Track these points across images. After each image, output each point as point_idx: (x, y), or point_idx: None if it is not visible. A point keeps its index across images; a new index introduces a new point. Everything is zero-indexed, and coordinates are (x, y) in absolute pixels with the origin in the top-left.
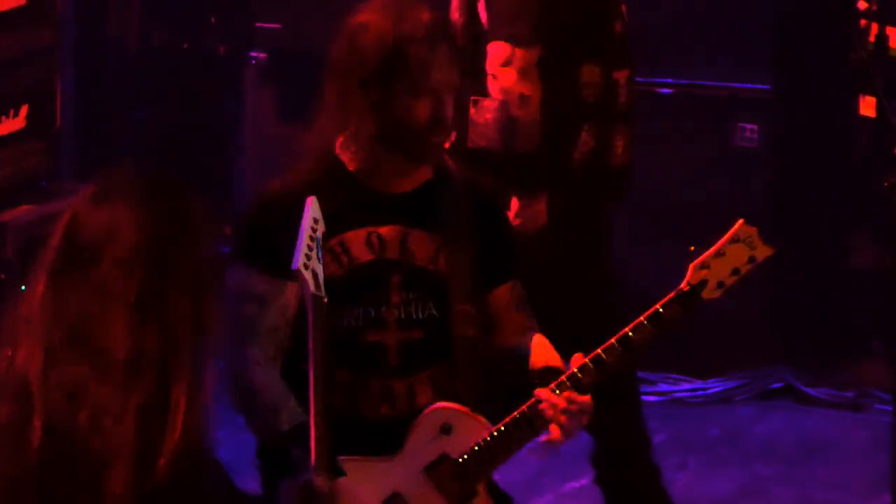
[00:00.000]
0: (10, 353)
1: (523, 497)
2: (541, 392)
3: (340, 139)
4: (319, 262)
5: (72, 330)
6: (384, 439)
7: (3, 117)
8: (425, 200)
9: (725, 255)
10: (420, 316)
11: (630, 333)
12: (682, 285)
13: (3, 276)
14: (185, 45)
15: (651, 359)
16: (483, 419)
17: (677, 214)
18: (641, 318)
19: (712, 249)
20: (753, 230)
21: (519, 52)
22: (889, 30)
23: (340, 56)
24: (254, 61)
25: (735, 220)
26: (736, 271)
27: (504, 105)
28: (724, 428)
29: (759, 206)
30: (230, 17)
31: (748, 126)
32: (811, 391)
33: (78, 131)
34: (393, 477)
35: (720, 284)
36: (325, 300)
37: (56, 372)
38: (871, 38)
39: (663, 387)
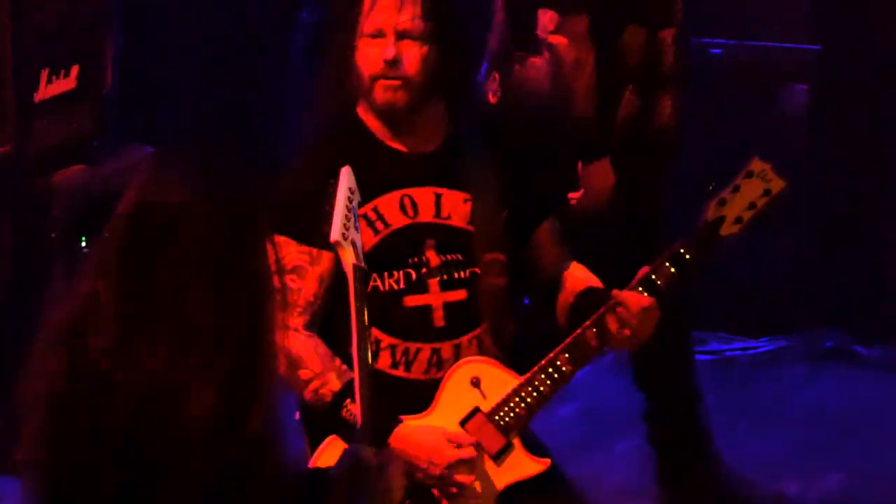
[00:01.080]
0: (82, 329)
1: (572, 458)
2: (618, 293)
3: (361, 102)
4: (357, 231)
5: (152, 307)
6: (431, 401)
7: (54, 77)
8: (452, 157)
9: (741, 191)
10: (462, 276)
11: (652, 276)
12: (700, 222)
13: (52, 235)
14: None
15: (702, 317)
16: (512, 371)
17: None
18: (663, 258)
19: (728, 188)
20: (767, 165)
21: (569, 19)
22: None
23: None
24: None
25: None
26: (752, 205)
27: (557, 69)
28: (775, 389)
29: (809, 166)
30: None
31: (798, 86)
32: (864, 352)
33: (126, 94)
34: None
35: (738, 220)
36: (365, 269)
37: (135, 350)
38: None
39: (714, 345)
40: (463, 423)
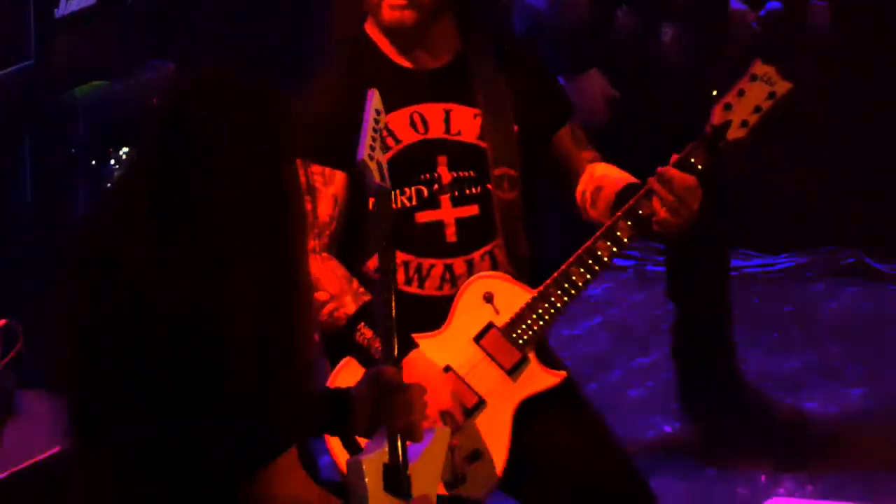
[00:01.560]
0: (114, 249)
1: (593, 373)
2: (663, 169)
3: (370, 20)
4: (383, 152)
5: (185, 226)
6: (445, 317)
7: None
8: (461, 72)
9: (746, 94)
10: (474, 192)
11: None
12: (706, 129)
13: (72, 150)
14: None
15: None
16: (525, 286)
17: None
18: (668, 165)
19: (732, 92)
20: (771, 68)
21: None
22: None
23: None
24: None
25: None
26: (758, 109)
27: None
28: (796, 305)
29: (834, 83)
30: None
31: (819, 2)
32: (883, 268)
33: (148, 11)
34: (443, 351)
35: (744, 123)
36: (390, 189)
37: (169, 272)
38: None
39: (735, 262)
40: (477, 339)
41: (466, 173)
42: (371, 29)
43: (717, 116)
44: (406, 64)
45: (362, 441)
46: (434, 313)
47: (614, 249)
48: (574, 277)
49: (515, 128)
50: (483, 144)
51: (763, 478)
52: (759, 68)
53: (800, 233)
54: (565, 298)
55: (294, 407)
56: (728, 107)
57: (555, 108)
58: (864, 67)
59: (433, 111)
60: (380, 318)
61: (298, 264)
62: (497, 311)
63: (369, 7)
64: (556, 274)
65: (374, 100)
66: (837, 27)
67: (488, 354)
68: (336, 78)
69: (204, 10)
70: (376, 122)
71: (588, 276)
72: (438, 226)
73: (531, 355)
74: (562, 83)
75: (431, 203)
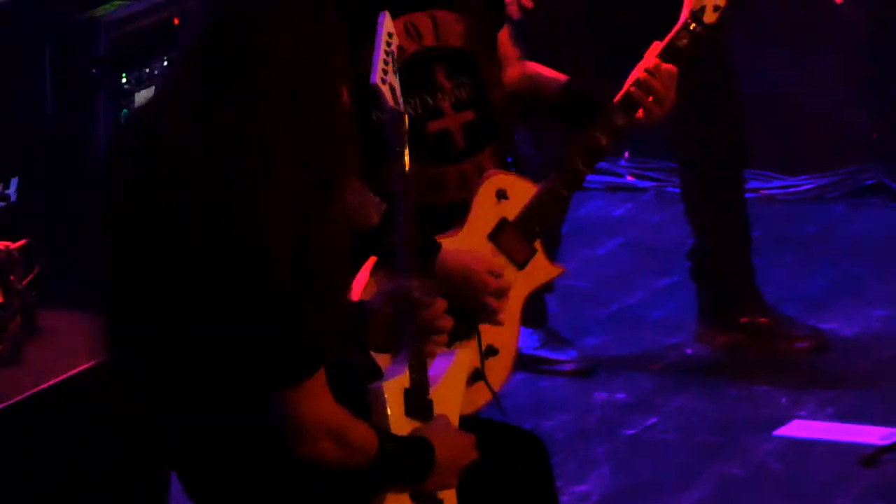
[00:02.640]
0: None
1: (615, 294)
2: (654, 62)
3: None
4: (396, 75)
5: (244, 107)
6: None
7: None
8: None
9: None
10: (468, 96)
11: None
12: (684, 14)
13: (93, 70)
14: None
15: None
16: (529, 180)
17: None
18: (654, 54)
19: None
20: None
21: None
22: None
23: None
24: None
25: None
26: None
27: None
28: (817, 225)
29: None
30: None
31: None
32: None
33: None
34: (462, 248)
35: (716, 8)
36: (403, 112)
37: (215, 161)
38: None
39: (754, 184)
40: (492, 235)
41: (460, 79)
42: None
43: (694, 3)
44: None
45: (382, 362)
46: (452, 219)
47: (611, 139)
48: (576, 167)
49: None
50: (469, 48)
51: (784, 399)
52: None
53: (820, 154)
54: (570, 188)
55: (328, 323)
56: None
57: (499, 9)
58: None
59: (422, 20)
60: (398, 235)
61: (339, 175)
62: (509, 207)
63: None
64: (560, 166)
65: (387, 22)
66: None
67: (503, 251)
68: None
69: None
70: (388, 44)
71: (589, 165)
72: (447, 133)
73: (538, 246)
74: None
75: (437, 112)
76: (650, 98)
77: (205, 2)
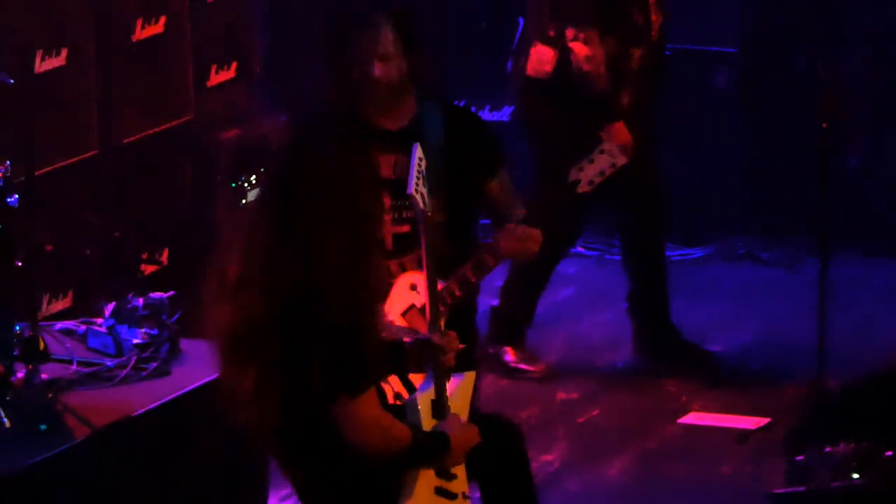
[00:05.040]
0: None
1: (570, 325)
2: (513, 227)
3: (332, 91)
4: (425, 187)
5: (303, 220)
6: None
7: (220, 69)
8: (412, 132)
9: (594, 162)
10: (407, 215)
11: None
12: (563, 182)
13: (218, 176)
14: None
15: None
16: (439, 280)
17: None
18: (536, 204)
19: (585, 159)
20: (614, 146)
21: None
22: None
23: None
24: None
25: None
26: (602, 173)
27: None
28: (704, 280)
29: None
30: None
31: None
32: (765, 256)
33: (271, 80)
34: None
35: (590, 182)
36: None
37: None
38: None
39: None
40: (404, 314)
41: (401, 202)
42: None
43: (572, 175)
44: (377, 124)
45: (415, 380)
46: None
47: (495, 262)
48: (469, 276)
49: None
50: None
51: (684, 397)
52: (607, 145)
53: (707, 230)
54: (463, 290)
55: (375, 350)
56: (580, 168)
57: (485, 165)
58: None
59: (387, 160)
60: (428, 305)
61: (371, 254)
62: (418, 297)
63: (357, 93)
64: (457, 273)
65: (419, 150)
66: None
67: (410, 325)
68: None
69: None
70: (419, 165)
71: (478, 277)
72: (381, 239)
73: (442, 324)
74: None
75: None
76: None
77: (273, 160)
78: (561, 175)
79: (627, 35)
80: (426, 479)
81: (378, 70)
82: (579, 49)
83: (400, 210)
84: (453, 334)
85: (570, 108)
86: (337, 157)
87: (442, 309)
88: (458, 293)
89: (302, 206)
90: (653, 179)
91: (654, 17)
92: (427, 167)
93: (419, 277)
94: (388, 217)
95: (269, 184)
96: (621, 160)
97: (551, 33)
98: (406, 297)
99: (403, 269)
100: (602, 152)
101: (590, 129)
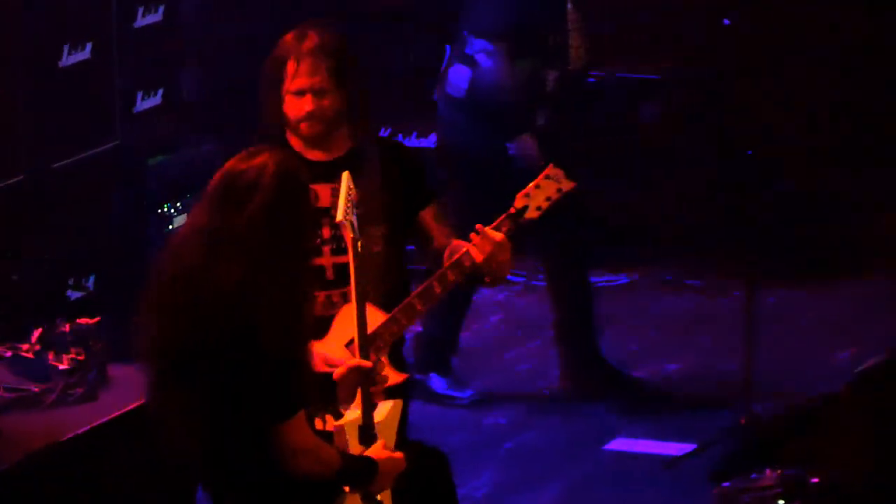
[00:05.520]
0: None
1: (495, 353)
2: (481, 227)
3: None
4: (355, 215)
5: (232, 241)
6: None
7: (147, 97)
8: (347, 163)
9: (541, 188)
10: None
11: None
12: (511, 209)
13: (144, 202)
14: None
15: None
16: (381, 311)
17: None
18: (487, 228)
19: (531, 185)
20: (560, 171)
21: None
22: None
23: (265, 67)
24: None
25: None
26: (549, 198)
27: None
28: (630, 308)
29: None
30: None
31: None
32: (690, 282)
33: (201, 106)
34: (326, 350)
35: (538, 208)
36: (359, 240)
37: (219, 268)
38: None
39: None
40: (347, 345)
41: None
42: (290, 134)
43: (519, 201)
44: (310, 157)
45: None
46: (322, 328)
47: (443, 288)
48: (416, 306)
49: (386, 200)
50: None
51: (612, 423)
52: (552, 170)
53: (632, 257)
54: (409, 320)
55: (307, 375)
56: (528, 195)
57: (418, 194)
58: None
59: (324, 189)
60: (357, 333)
61: (305, 283)
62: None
63: (289, 126)
64: (403, 302)
65: (348, 179)
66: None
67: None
68: None
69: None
70: (349, 193)
71: (426, 306)
72: (322, 268)
73: (384, 359)
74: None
75: (317, 252)
76: (480, 258)
77: (215, 183)
78: (486, 200)
79: (542, 57)
80: None
81: (313, 104)
82: (485, 63)
83: (339, 240)
84: (384, 361)
85: (482, 124)
86: (273, 184)
87: (389, 339)
88: (404, 323)
89: (237, 232)
90: (574, 206)
91: (574, 42)
92: (362, 197)
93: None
94: (327, 248)
95: (205, 208)
96: (567, 185)
97: (467, 51)
98: (348, 328)
99: (346, 300)
100: (548, 178)
101: (499, 142)
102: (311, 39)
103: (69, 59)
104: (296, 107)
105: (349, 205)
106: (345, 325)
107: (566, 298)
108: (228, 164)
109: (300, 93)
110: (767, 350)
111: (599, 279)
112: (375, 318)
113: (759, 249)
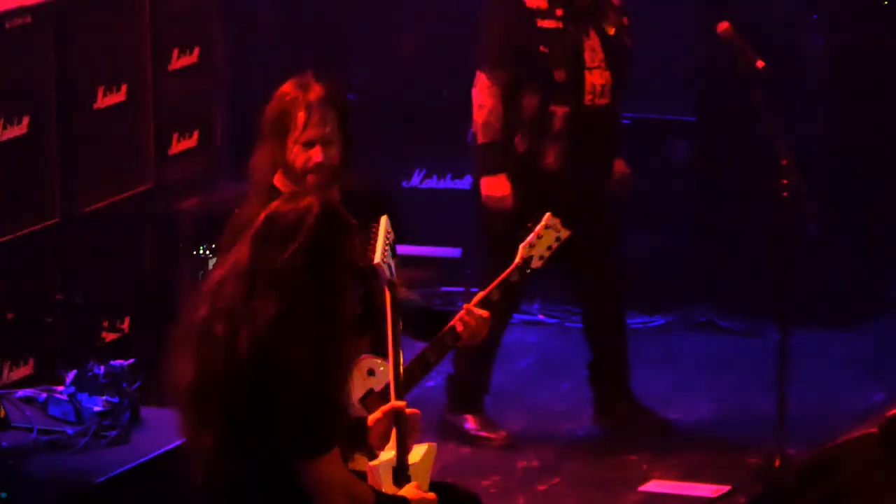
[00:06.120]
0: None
1: (528, 395)
2: (467, 306)
3: (278, 174)
4: (392, 258)
5: (273, 276)
6: None
7: (182, 137)
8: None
9: (542, 238)
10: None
11: (490, 295)
12: (517, 260)
13: (180, 244)
14: None
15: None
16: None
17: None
18: (493, 285)
19: (533, 235)
20: (557, 220)
21: None
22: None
23: (266, 115)
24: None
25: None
26: (550, 247)
27: None
28: (664, 349)
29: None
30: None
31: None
32: (724, 324)
33: (232, 148)
34: None
35: (541, 257)
36: (397, 284)
37: (257, 304)
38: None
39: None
40: (362, 399)
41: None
42: (279, 182)
43: (523, 252)
44: None
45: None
46: None
47: (438, 357)
48: (428, 356)
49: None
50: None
51: (645, 465)
52: (551, 220)
53: (667, 300)
54: (421, 373)
55: (338, 417)
56: (531, 245)
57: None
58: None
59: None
60: (392, 379)
61: (344, 326)
62: (375, 382)
63: (293, 176)
64: (414, 357)
65: (386, 222)
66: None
67: (368, 410)
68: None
69: None
70: (386, 237)
71: (436, 360)
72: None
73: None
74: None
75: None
76: (464, 335)
77: (258, 224)
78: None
79: (549, 92)
80: None
81: (322, 155)
82: (476, 97)
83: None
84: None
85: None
86: (317, 225)
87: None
88: (418, 376)
89: (278, 270)
90: (609, 249)
91: (593, 80)
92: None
93: (375, 362)
94: None
95: (246, 247)
96: (565, 234)
97: (472, 89)
98: (364, 382)
99: (359, 353)
100: (548, 227)
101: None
102: (317, 89)
103: (105, 100)
104: (304, 157)
105: (386, 247)
106: (360, 379)
107: (602, 339)
108: (273, 206)
109: (310, 143)
110: (800, 392)
111: (633, 321)
112: (386, 369)
113: (793, 290)
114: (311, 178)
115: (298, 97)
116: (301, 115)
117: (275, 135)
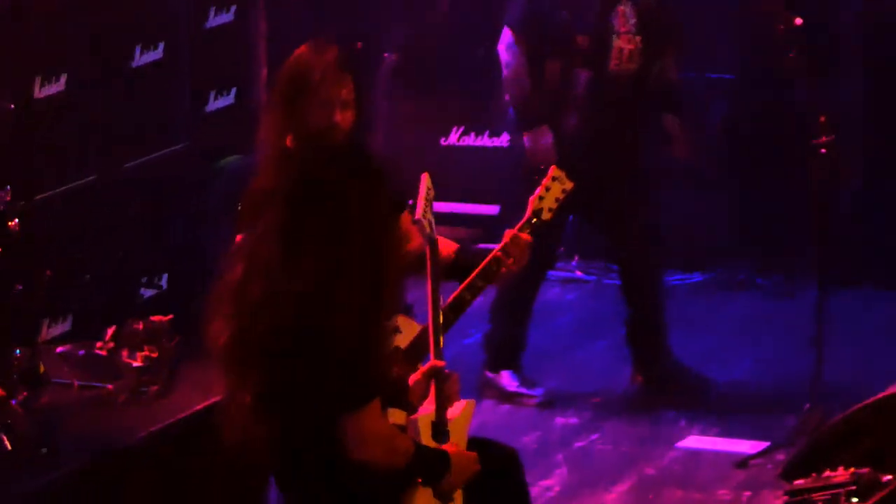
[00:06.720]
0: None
1: (566, 353)
2: (510, 231)
3: (290, 136)
4: (432, 215)
5: (314, 236)
6: None
7: (220, 96)
8: None
9: (550, 190)
10: None
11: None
12: (528, 212)
13: (216, 202)
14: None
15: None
16: (416, 322)
17: None
18: (507, 237)
19: (541, 188)
20: (562, 172)
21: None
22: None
23: (280, 78)
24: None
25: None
26: (557, 199)
27: None
28: (702, 308)
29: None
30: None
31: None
32: (763, 282)
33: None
34: None
35: (550, 209)
36: (437, 240)
37: (297, 262)
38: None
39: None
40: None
41: None
42: (292, 144)
43: (534, 204)
44: None
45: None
46: None
47: (473, 296)
48: (449, 315)
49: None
50: None
51: (683, 422)
52: (556, 171)
53: (706, 256)
54: (455, 317)
55: (382, 363)
56: (541, 198)
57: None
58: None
59: None
60: (431, 337)
61: (389, 281)
62: (400, 338)
63: (307, 134)
64: (449, 300)
65: (427, 180)
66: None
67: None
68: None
69: None
70: (427, 193)
71: (459, 313)
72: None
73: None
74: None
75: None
76: (509, 262)
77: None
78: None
79: (571, 58)
80: (425, 502)
81: (338, 115)
82: (502, 55)
83: None
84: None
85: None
86: (356, 185)
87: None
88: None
89: (317, 229)
90: (639, 210)
91: (621, 45)
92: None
93: (401, 320)
94: None
95: (282, 207)
96: (569, 185)
97: (498, 46)
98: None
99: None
100: (555, 179)
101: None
102: (332, 52)
103: (141, 59)
104: (319, 118)
105: (426, 204)
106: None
107: (639, 296)
108: (308, 168)
109: (325, 105)
110: (839, 351)
111: (671, 278)
112: (411, 328)
113: (832, 249)
114: (326, 141)
115: (313, 60)
116: (316, 77)
117: (289, 98)
